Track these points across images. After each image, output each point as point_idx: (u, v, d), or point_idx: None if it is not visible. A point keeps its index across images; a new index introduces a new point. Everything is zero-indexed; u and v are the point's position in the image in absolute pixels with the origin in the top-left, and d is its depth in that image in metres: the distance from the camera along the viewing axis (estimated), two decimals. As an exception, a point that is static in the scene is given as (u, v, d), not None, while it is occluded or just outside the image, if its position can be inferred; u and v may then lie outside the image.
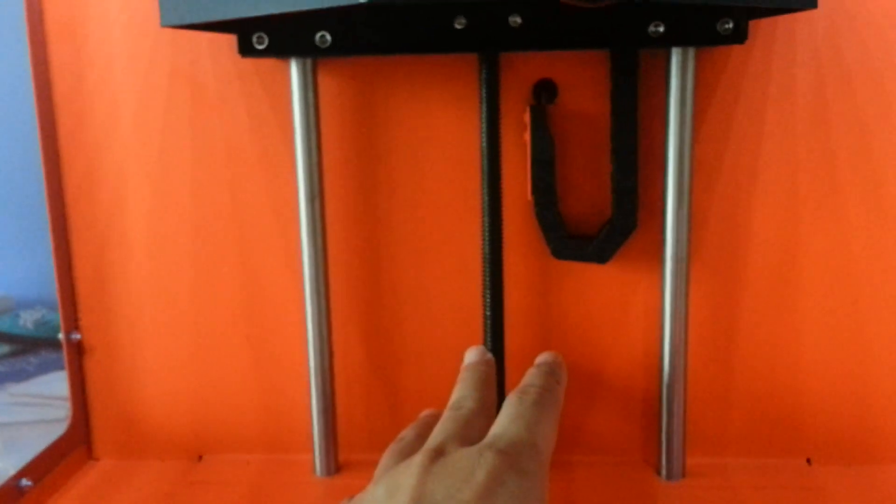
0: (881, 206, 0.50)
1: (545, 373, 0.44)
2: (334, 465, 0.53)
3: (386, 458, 0.41)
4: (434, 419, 0.43)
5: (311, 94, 0.48)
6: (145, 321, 0.55)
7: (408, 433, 0.44)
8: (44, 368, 0.87)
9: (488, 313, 0.50)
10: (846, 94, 0.49)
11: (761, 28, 0.49)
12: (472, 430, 0.38)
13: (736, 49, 0.49)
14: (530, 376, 0.44)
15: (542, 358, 0.48)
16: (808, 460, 0.54)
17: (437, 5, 0.44)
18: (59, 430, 0.55)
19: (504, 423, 0.38)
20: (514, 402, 0.39)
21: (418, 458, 0.35)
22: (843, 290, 0.51)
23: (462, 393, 0.43)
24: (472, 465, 0.34)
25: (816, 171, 0.50)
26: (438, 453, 0.35)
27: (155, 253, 0.54)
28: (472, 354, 0.49)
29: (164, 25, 0.40)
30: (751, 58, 0.49)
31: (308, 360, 0.51)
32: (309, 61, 0.48)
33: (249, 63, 0.51)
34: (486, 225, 0.50)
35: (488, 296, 0.50)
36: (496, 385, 0.46)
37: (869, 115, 0.49)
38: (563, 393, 0.44)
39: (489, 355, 0.49)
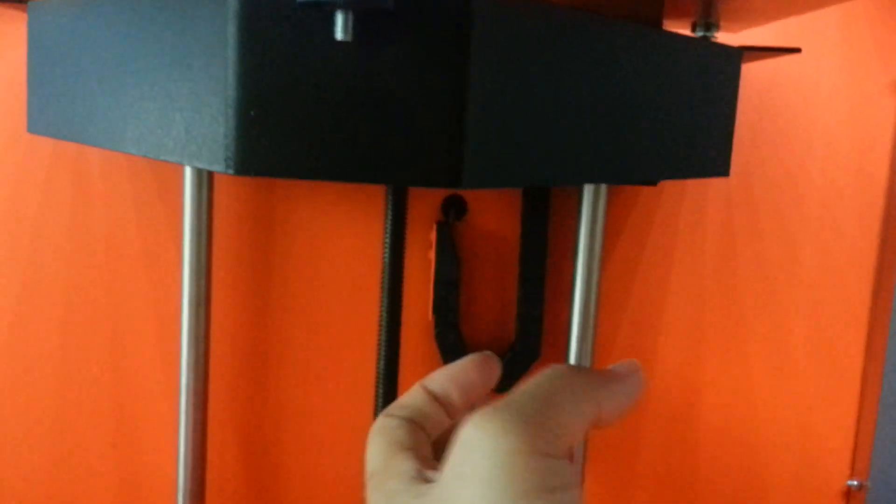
0: (784, 349, 0.50)
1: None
2: None
3: None
4: None
5: (205, 195, 0.45)
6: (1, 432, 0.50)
7: None
8: None
9: (380, 437, 0.47)
10: (754, 237, 0.50)
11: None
12: None
13: (647, 187, 0.48)
14: None
15: None
16: None
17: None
18: None
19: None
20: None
21: None
22: (742, 430, 0.51)
23: None
24: None
25: (722, 309, 0.50)
26: None
27: (17, 350, 0.49)
28: None
29: (31, 132, 0.36)
30: (662, 196, 0.49)
31: (177, 481, 0.47)
32: (205, 162, 0.45)
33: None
34: (384, 342, 0.47)
35: (381, 418, 0.47)
36: None
37: (774, 256, 0.50)
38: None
39: None
